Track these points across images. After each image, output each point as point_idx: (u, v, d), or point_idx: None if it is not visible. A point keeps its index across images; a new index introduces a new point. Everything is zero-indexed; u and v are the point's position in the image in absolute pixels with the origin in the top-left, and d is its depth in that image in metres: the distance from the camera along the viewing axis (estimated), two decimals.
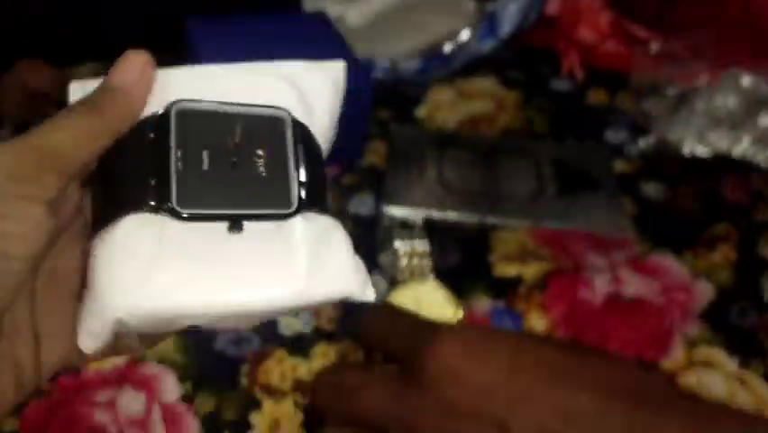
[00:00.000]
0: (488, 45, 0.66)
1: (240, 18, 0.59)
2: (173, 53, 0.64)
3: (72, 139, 0.22)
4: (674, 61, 0.66)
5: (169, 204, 0.23)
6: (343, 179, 0.57)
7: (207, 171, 0.24)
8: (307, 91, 0.27)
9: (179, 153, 0.24)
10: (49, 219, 0.22)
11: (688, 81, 0.64)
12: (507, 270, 0.51)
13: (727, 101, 0.63)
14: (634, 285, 0.50)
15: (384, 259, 0.47)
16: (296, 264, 0.24)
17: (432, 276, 0.46)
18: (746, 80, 0.62)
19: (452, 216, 0.49)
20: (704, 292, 0.51)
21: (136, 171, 0.24)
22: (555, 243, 0.50)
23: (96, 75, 0.25)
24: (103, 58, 0.67)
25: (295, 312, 0.29)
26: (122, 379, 0.41)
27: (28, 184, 0.21)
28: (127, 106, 0.24)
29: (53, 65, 0.59)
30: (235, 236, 0.24)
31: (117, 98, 0.24)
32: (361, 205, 0.55)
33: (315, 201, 0.25)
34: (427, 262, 0.47)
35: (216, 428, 0.39)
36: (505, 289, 0.49)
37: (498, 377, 0.27)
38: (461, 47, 0.66)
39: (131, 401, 0.40)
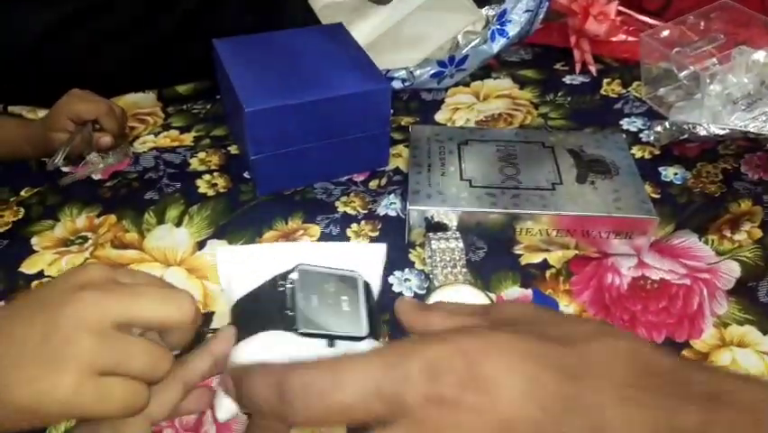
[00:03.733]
0: (498, 45, 0.68)
1: (262, 36, 0.62)
2: (205, 75, 0.68)
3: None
4: (683, 45, 0.67)
5: (295, 326, 0.37)
6: (371, 183, 0.60)
7: (316, 307, 0.38)
8: (367, 260, 0.44)
9: (300, 295, 0.38)
10: None
11: (699, 64, 0.65)
12: (532, 259, 0.52)
13: (741, 79, 0.63)
14: (659, 268, 0.52)
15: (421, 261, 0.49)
16: None
17: (467, 277, 0.48)
18: (758, 56, 0.63)
19: (475, 210, 0.51)
20: (730, 271, 0.51)
21: (273, 304, 0.38)
22: (578, 230, 0.51)
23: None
24: (141, 88, 0.72)
25: None
26: None
27: None
28: (215, 368, 0.37)
29: (101, 94, 0.63)
30: (330, 349, 0.38)
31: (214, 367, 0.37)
32: (389, 207, 0.57)
33: (374, 331, 0.40)
34: (462, 264, 0.49)
35: None
36: (532, 277, 0.51)
37: None
38: (473, 49, 0.68)
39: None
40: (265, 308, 0.39)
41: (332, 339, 0.38)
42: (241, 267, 0.44)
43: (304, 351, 0.38)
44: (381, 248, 0.47)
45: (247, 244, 0.48)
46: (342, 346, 0.38)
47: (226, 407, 0.37)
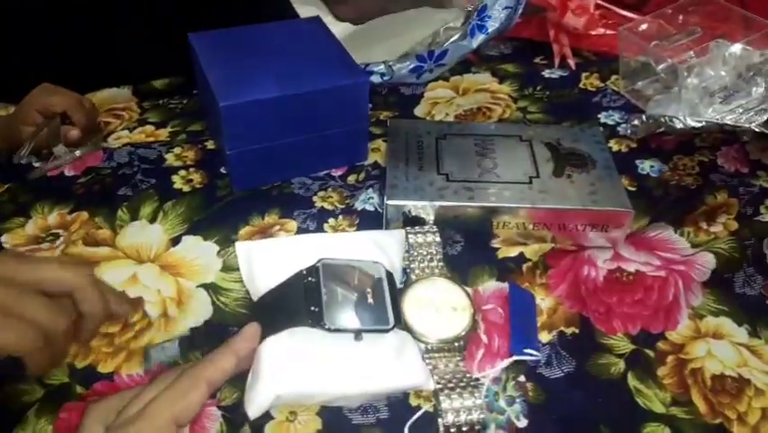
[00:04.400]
0: (477, 41, 0.68)
1: (239, 29, 0.62)
2: (181, 71, 0.67)
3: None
4: (661, 39, 0.67)
5: (323, 322, 0.38)
6: (349, 177, 0.60)
7: (341, 302, 0.40)
8: (387, 248, 0.46)
9: (325, 290, 0.39)
10: None
11: (676, 57, 0.65)
12: (509, 253, 0.52)
13: (718, 72, 0.64)
14: (634, 260, 0.52)
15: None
16: (391, 364, 0.40)
17: (443, 271, 0.48)
18: (735, 50, 0.63)
19: (452, 204, 0.51)
20: (705, 263, 0.52)
21: (299, 301, 0.39)
22: (554, 223, 0.51)
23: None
24: (117, 83, 0.71)
25: (384, 397, 0.42)
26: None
27: None
28: (238, 366, 0.39)
29: (72, 89, 0.62)
30: (357, 342, 0.39)
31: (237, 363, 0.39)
32: (367, 201, 0.57)
33: (398, 321, 0.41)
34: (439, 258, 0.48)
35: (237, 418, 0.41)
36: (509, 271, 0.51)
37: None
38: (453, 44, 0.68)
39: None
40: (290, 305, 0.40)
41: (359, 333, 0.39)
42: (261, 262, 0.44)
43: (330, 345, 0.39)
44: (400, 234, 0.47)
45: (266, 239, 0.49)
46: (369, 338, 0.39)
47: (257, 403, 0.38)
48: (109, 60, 0.72)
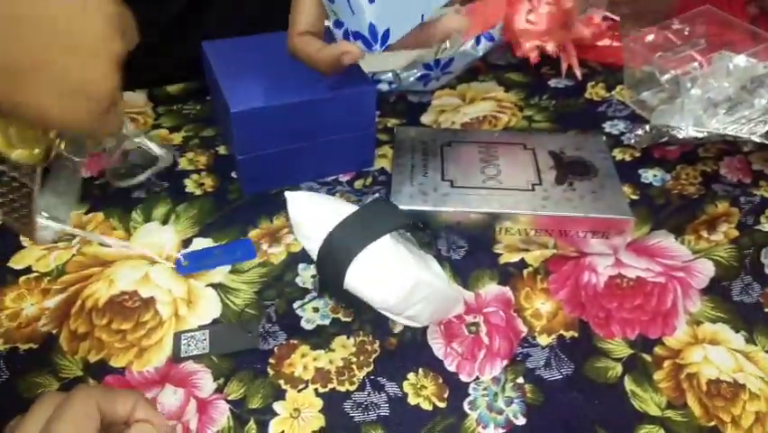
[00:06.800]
0: (483, 48, 0.69)
1: (251, 38, 0.63)
2: (194, 78, 0.68)
3: None
4: (666, 50, 0.68)
5: None
6: (356, 182, 0.61)
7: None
8: None
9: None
10: None
11: (680, 67, 0.66)
12: (512, 258, 0.53)
13: (722, 83, 0.64)
14: (635, 266, 0.53)
15: None
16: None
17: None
18: (739, 61, 0.64)
19: (456, 210, 0.52)
20: (704, 270, 0.52)
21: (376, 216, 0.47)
22: (556, 230, 0.52)
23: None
24: (132, 87, 0.73)
25: None
26: (163, 378, 0.45)
27: None
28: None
29: None
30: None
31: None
32: None
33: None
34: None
35: (244, 415, 0.43)
36: (510, 275, 0.52)
37: None
38: (459, 52, 0.69)
39: (170, 397, 0.43)
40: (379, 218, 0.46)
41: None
42: (310, 211, 0.48)
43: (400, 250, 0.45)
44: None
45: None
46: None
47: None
48: (125, 65, 0.74)
